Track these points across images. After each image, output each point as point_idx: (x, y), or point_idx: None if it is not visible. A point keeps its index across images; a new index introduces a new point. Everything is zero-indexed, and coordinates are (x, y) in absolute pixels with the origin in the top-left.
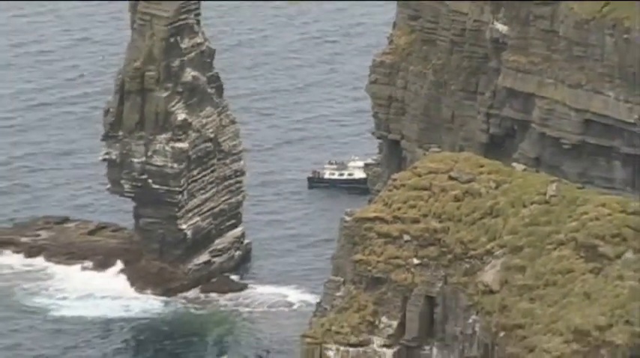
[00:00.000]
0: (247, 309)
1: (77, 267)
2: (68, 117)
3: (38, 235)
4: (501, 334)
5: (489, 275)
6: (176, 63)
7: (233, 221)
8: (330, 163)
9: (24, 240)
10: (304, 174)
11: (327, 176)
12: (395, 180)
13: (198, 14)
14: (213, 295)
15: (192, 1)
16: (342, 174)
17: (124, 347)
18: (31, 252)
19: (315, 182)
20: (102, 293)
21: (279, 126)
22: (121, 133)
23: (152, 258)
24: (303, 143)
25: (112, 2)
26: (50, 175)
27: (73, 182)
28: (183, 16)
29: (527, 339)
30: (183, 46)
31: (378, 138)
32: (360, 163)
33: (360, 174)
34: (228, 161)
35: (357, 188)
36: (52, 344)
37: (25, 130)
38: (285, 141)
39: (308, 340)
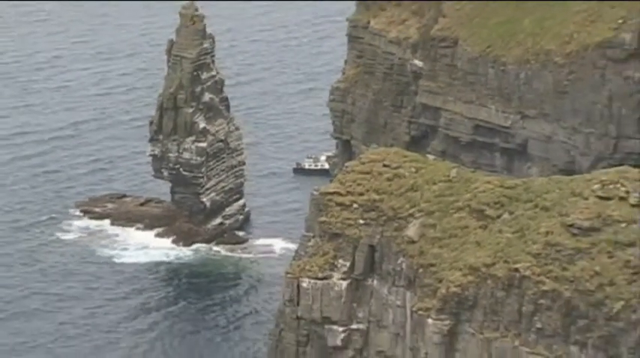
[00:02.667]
0: (248, 255)
1: (132, 228)
2: (130, 127)
3: (106, 206)
4: (420, 270)
5: (411, 230)
6: (198, 89)
7: (237, 195)
8: (308, 157)
9: (96, 209)
10: (290, 165)
11: (306, 166)
12: (347, 167)
13: (213, 55)
14: (225, 246)
15: (210, 47)
16: (316, 165)
17: (164, 282)
18: (101, 217)
19: (298, 171)
20: (149, 245)
21: (273, 130)
22: (161, 137)
23: (183, 221)
24: (289, 142)
25: None
26: (115, 165)
27: (130, 170)
28: (202, 57)
29: (437, 274)
30: (202, 77)
31: (336, 138)
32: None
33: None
34: (234, 155)
35: (326, 174)
36: (115, 282)
37: (101, 140)
38: (275, 141)
39: (289, 275)
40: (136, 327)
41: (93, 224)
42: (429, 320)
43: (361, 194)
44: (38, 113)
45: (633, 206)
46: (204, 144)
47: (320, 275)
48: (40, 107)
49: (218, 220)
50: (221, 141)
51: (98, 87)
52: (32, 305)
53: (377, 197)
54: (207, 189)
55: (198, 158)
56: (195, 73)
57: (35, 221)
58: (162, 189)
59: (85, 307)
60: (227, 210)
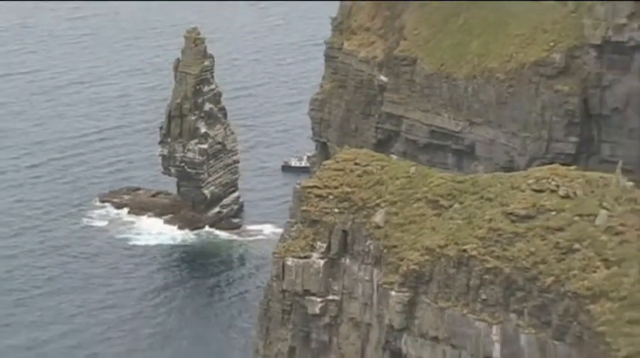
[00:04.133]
0: (242, 238)
1: (145, 216)
2: (144, 132)
3: (123, 197)
4: (385, 251)
5: (378, 217)
6: (200, 100)
7: (233, 189)
8: (294, 156)
9: (115, 200)
10: (279, 163)
11: (292, 164)
12: (324, 165)
13: (212, 72)
14: (223, 230)
15: (210, 65)
16: (301, 163)
17: (172, 260)
18: (119, 207)
19: (286, 168)
20: (158, 230)
21: (264, 134)
22: (169, 140)
23: (187, 210)
24: (277, 144)
25: None
26: (131, 164)
27: (143, 167)
28: (203, 74)
29: (399, 254)
30: (204, 90)
31: (315, 141)
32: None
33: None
34: (230, 155)
35: (308, 171)
36: (131, 261)
37: (120, 143)
38: (265, 143)
39: (276, 255)
40: (149, 297)
41: (112, 212)
42: (392, 293)
43: (336, 187)
44: (69, 121)
45: (562, 197)
46: (205, 146)
47: (302, 255)
48: (70, 116)
49: (217, 209)
50: (219, 143)
51: (120, 99)
52: (62, 282)
53: (349, 190)
54: (208, 183)
55: (200, 157)
56: (197, 87)
57: (64, 210)
58: (170, 184)
59: (106, 283)
60: (224, 200)
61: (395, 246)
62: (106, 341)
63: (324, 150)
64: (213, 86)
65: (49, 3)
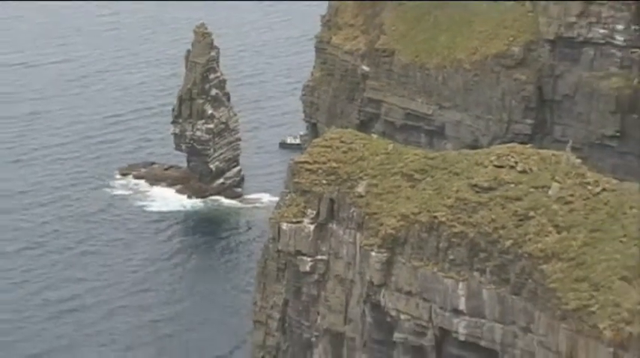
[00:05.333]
0: (243, 205)
1: (159, 186)
2: (159, 113)
3: (140, 170)
4: (366, 217)
5: (360, 188)
6: (207, 86)
7: (235, 163)
8: (290, 135)
9: (134, 172)
10: (276, 141)
11: (289, 142)
12: (314, 143)
13: (218, 61)
14: (226, 198)
15: (215, 56)
16: (296, 141)
17: (182, 224)
18: (136, 178)
19: (283, 145)
20: (171, 199)
21: (264, 116)
22: (180, 120)
23: (195, 181)
24: (276, 124)
25: None
26: (149, 142)
27: (158, 144)
28: (210, 63)
29: (379, 220)
30: (210, 77)
31: (306, 122)
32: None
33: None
34: (232, 134)
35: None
36: (147, 225)
37: (139, 123)
38: (265, 124)
39: (272, 220)
40: (163, 256)
41: (131, 183)
42: (372, 253)
43: (324, 162)
44: (94, 105)
45: (519, 172)
46: (211, 126)
47: (294, 220)
48: (96, 101)
49: (221, 180)
50: (223, 123)
51: (139, 86)
52: (88, 243)
53: (335, 164)
54: (213, 158)
55: (207, 136)
56: (205, 74)
57: (90, 182)
58: (181, 158)
59: (126, 243)
60: (227, 173)
61: (375, 213)
62: (129, 296)
63: (314, 130)
64: (218, 74)
65: (79, 2)
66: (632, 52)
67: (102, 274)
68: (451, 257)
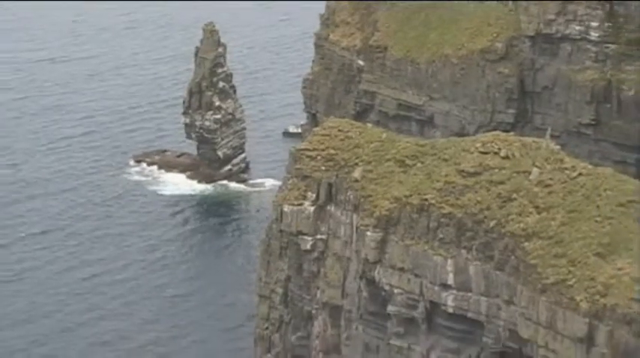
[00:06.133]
0: (248, 189)
1: (171, 172)
2: (171, 105)
3: (154, 157)
4: (361, 200)
5: (356, 173)
6: (215, 79)
7: (241, 151)
8: (293, 125)
9: (147, 159)
10: (280, 130)
11: (291, 131)
12: (314, 131)
13: (225, 57)
14: (233, 183)
15: (222, 52)
16: (298, 130)
17: (192, 207)
18: (150, 165)
19: (286, 134)
20: (182, 184)
21: (268, 106)
22: (190, 111)
23: (205, 167)
24: (279, 115)
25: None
26: (162, 132)
27: (170, 133)
28: (217, 59)
29: (373, 202)
30: (218, 71)
31: (306, 112)
32: None
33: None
34: (238, 123)
35: (303, 136)
36: (160, 208)
37: (153, 115)
38: (269, 114)
39: (275, 203)
40: (175, 236)
41: (146, 169)
42: (368, 233)
43: (323, 149)
44: (113, 98)
45: (503, 158)
46: (219, 116)
47: (296, 203)
48: (114, 94)
49: (228, 167)
50: (230, 114)
51: (153, 81)
52: (107, 225)
53: (333, 151)
54: (221, 146)
55: (215, 125)
56: (212, 69)
57: (108, 168)
58: (191, 146)
59: (141, 224)
60: (234, 160)
61: (370, 196)
62: (146, 275)
63: (313, 120)
64: (225, 68)
65: (99, 3)
66: (605, 47)
67: (121, 254)
68: (440, 236)
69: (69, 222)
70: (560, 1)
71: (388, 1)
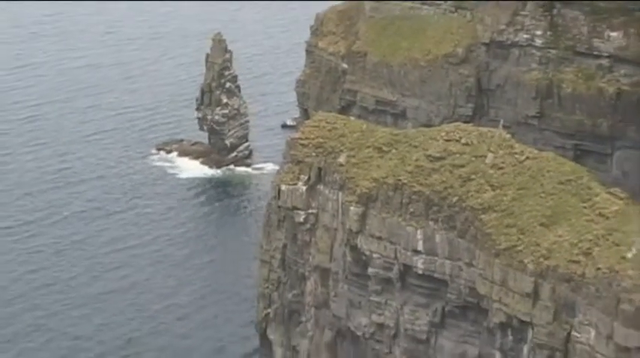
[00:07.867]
0: (252, 172)
1: (187, 158)
2: (188, 103)
3: (172, 146)
4: (346, 181)
5: (341, 158)
6: (223, 81)
7: (245, 140)
8: (290, 118)
9: (167, 148)
10: (279, 123)
11: (288, 123)
12: (305, 124)
13: (231, 62)
14: (239, 167)
15: (229, 57)
16: (294, 123)
17: (204, 187)
18: (169, 152)
19: (284, 126)
20: (195, 168)
21: (269, 103)
22: (202, 107)
23: (215, 154)
24: (278, 110)
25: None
26: (179, 124)
27: (186, 126)
28: (225, 63)
29: (355, 182)
30: (225, 74)
31: (300, 108)
32: None
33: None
34: (243, 117)
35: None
36: (177, 190)
37: (172, 113)
38: (270, 109)
39: (274, 183)
40: (190, 213)
41: (165, 156)
42: (351, 208)
43: (313, 139)
44: (137, 98)
45: (463, 144)
46: (226, 111)
47: (291, 183)
48: (138, 94)
49: (234, 154)
50: (236, 109)
51: (172, 84)
52: (133, 205)
53: (322, 140)
54: (228, 136)
55: (223, 119)
56: (221, 72)
57: (133, 156)
58: (203, 137)
59: (162, 203)
60: (239, 148)
61: (353, 177)
62: (166, 248)
63: (305, 114)
64: (232, 71)
65: (128, 17)
66: (548, 52)
67: (147, 231)
68: (411, 210)
69: (95, 206)
70: (510, 13)
71: (368, 14)
